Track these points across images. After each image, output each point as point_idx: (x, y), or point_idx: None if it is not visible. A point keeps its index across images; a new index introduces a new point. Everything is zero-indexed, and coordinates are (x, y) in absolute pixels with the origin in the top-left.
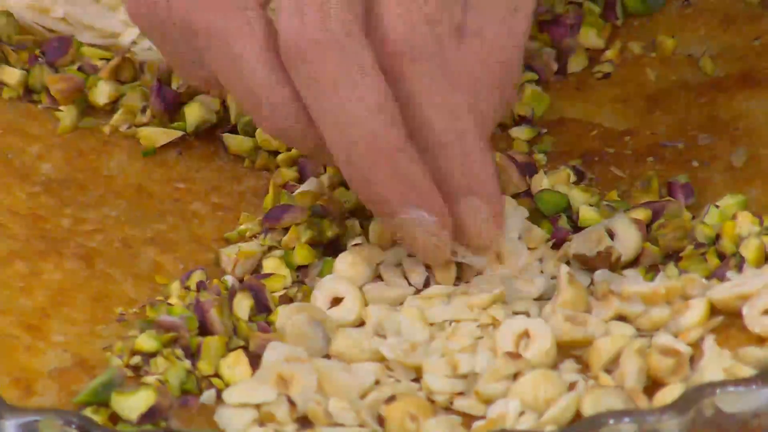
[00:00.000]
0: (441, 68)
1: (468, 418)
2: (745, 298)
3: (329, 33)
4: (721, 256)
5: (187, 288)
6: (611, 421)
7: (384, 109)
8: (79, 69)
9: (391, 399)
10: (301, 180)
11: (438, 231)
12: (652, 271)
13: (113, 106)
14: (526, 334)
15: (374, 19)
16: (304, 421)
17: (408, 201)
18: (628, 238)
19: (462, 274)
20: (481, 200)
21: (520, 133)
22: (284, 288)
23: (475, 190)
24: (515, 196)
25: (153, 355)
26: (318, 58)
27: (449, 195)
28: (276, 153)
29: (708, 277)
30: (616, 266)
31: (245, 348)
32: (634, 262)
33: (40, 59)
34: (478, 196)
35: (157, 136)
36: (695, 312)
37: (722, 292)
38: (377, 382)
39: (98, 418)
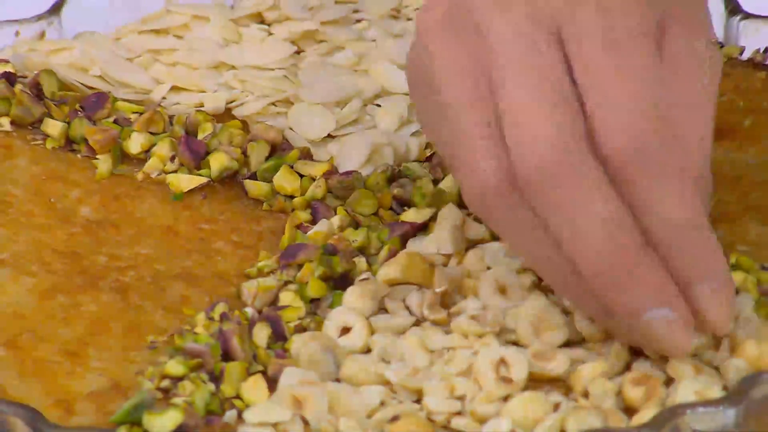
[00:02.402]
0: (662, 167)
1: None
2: None
3: (552, 160)
4: None
5: (212, 318)
6: None
7: (617, 217)
8: (115, 121)
9: (395, 419)
10: (314, 221)
11: (683, 325)
12: None
13: (145, 154)
14: (503, 362)
15: (596, 131)
16: None
17: (651, 302)
18: None
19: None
20: (718, 285)
21: None
22: (299, 318)
23: (709, 276)
24: None
25: (181, 378)
26: (552, 183)
27: (682, 285)
28: (292, 197)
29: None
30: None
31: (264, 372)
32: None
33: (79, 113)
34: (713, 281)
35: (185, 181)
36: None
37: None
38: (382, 404)
39: None
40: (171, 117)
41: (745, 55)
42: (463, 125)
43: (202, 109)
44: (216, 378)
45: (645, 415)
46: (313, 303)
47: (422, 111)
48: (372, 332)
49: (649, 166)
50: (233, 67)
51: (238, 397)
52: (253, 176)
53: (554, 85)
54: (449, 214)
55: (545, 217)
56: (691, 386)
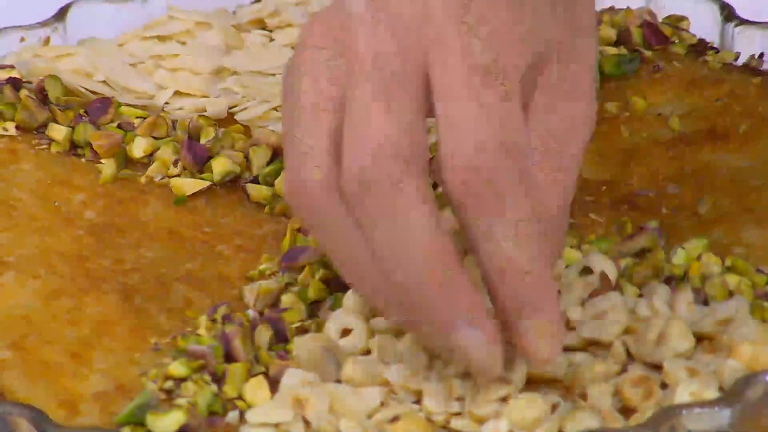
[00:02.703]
0: (499, 206)
1: None
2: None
3: (379, 171)
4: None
5: (214, 320)
6: None
7: (438, 239)
8: (119, 126)
9: (395, 419)
10: None
11: (490, 348)
12: None
13: (148, 159)
14: None
15: (438, 145)
16: None
17: (462, 321)
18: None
19: None
20: (545, 320)
21: None
22: (300, 320)
23: (538, 310)
24: None
25: (184, 380)
26: (371, 195)
27: (507, 315)
28: None
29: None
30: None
31: (265, 374)
32: None
33: (84, 118)
34: (542, 316)
35: (187, 185)
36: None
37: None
38: (382, 404)
39: None
40: (174, 122)
41: (740, 61)
42: (305, 126)
43: (204, 113)
44: (218, 379)
45: (642, 416)
46: (314, 305)
47: (284, 114)
48: (372, 334)
49: (486, 203)
50: (235, 73)
51: (240, 397)
52: (255, 180)
53: (399, 95)
54: (448, 218)
55: (363, 226)
56: (687, 387)
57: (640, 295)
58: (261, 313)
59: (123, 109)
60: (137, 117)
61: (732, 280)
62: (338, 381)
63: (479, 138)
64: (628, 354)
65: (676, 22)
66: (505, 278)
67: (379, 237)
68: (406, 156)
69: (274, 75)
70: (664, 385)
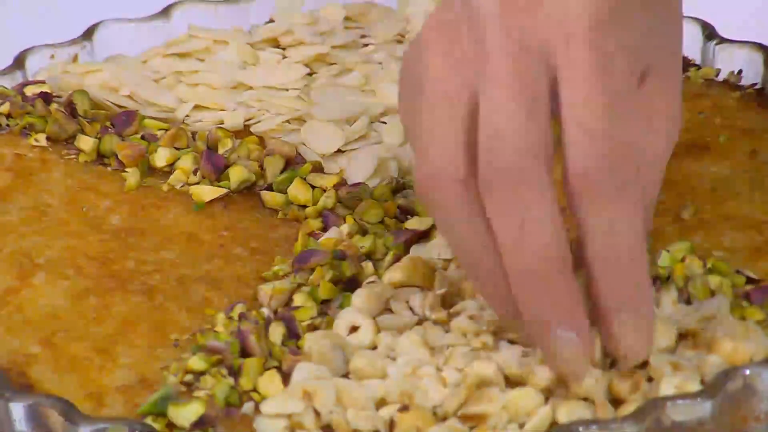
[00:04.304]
0: (617, 194)
1: (463, 427)
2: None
3: (517, 164)
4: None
5: (231, 318)
6: (581, 429)
7: (559, 236)
8: (142, 137)
9: (404, 408)
10: (325, 229)
11: (581, 350)
12: None
13: (170, 168)
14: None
15: (565, 147)
16: (327, 429)
17: (560, 322)
18: None
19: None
20: (638, 316)
21: None
22: (311, 318)
23: (631, 307)
24: None
25: (202, 373)
26: (505, 187)
27: (606, 309)
28: (304, 207)
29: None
30: None
31: (278, 368)
32: None
33: (110, 129)
34: (634, 312)
35: (206, 192)
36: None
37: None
38: (387, 396)
39: (157, 425)
40: (194, 133)
41: (721, 76)
42: (437, 117)
43: (222, 126)
44: (235, 373)
45: (630, 407)
46: (324, 304)
47: (405, 107)
48: (378, 331)
49: (604, 190)
50: (251, 88)
51: (255, 390)
52: (269, 188)
53: (534, 96)
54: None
55: (494, 215)
56: (671, 381)
57: None
58: (275, 312)
59: (146, 121)
60: (160, 129)
61: (714, 280)
62: (347, 374)
63: (606, 134)
64: None
65: None
66: (612, 266)
67: (506, 226)
68: (539, 153)
69: (287, 90)
70: (650, 379)
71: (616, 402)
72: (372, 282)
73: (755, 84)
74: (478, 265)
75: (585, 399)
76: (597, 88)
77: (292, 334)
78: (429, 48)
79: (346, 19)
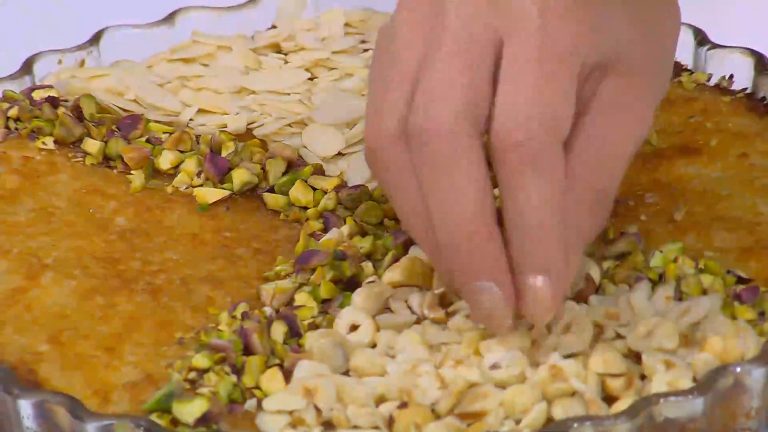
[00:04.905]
0: (542, 165)
1: (461, 424)
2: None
3: (445, 123)
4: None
5: (234, 317)
6: (575, 425)
7: (481, 195)
8: (148, 141)
9: (403, 405)
10: (325, 230)
11: (503, 302)
12: None
13: (174, 170)
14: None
15: (494, 107)
16: (327, 424)
17: (482, 274)
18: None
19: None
20: (542, 282)
21: None
22: (312, 317)
23: (536, 272)
24: None
25: (206, 371)
26: (433, 149)
27: (516, 269)
28: (306, 208)
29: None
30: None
31: (280, 365)
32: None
33: (116, 133)
34: (539, 278)
35: (210, 194)
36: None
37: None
38: (386, 393)
39: (162, 422)
40: (197, 136)
41: (712, 81)
42: (387, 77)
43: (225, 129)
44: (238, 370)
45: (623, 404)
46: (325, 303)
47: (374, 72)
48: (378, 329)
49: (519, 156)
50: (253, 92)
51: (257, 387)
52: (271, 190)
53: (476, 64)
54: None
55: (421, 174)
56: (663, 378)
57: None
58: (276, 311)
59: (151, 125)
60: (164, 132)
61: (705, 280)
62: (347, 371)
63: (533, 113)
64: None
65: None
66: (526, 235)
67: (432, 185)
68: (472, 114)
69: (288, 94)
70: (643, 376)
71: (609, 399)
72: (372, 282)
73: (746, 89)
74: (413, 229)
75: (574, 394)
76: (533, 65)
77: (294, 333)
78: (398, 18)
79: (347, 25)
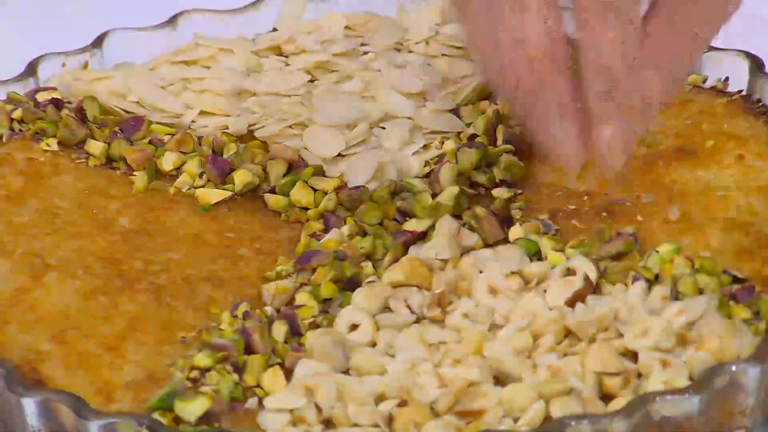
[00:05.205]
0: (601, 21)
1: (459, 422)
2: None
3: None
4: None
5: (236, 317)
6: (573, 423)
7: (552, 35)
8: (150, 142)
9: (403, 404)
10: (326, 230)
11: (575, 141)
12: None
13: (177, 171)
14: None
15: None
16: (328, 423)
17: (555, 111)
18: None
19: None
20: (615, 130)
21: (501, 193)
22: (312, 316)
23: (610, 120)
24: (496, 243)
25: (208, 370)
26: None
27: (591, 115)
28: (306, 209)
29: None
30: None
31: (281, 364)
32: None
33: (119, 134)
34: (613, 126)
35: (212, 195)
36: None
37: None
38: (386, 392)
39: (164, 420)
40: (199, 138)
41: (709, 83)
42: None
43: (227, 131)
44: (239, 369)
45: (620, 402)
46: (326, 303)
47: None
48: (377, 328)
49: (593, 6)
50: (254, 94)
51: (258, 386)
52: (272, 190)
53: None
54: (446, 224)
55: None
56: (660, 376)
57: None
58: (278, 310)
59: (154, 126)
60: (167, 134)
61: (702, 280)
62: (347, 370)
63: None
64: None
65: None
66: (605, 77)
67: (509, 21)
68: None
69: (289, 96)
70: (640, 375)
71: (606, 397)
72: (371, 281)
73: (741, 91)
74: (488, 56)
75: (571, 391)
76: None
77: (295, 332)
78: None
79: (347, 28)
